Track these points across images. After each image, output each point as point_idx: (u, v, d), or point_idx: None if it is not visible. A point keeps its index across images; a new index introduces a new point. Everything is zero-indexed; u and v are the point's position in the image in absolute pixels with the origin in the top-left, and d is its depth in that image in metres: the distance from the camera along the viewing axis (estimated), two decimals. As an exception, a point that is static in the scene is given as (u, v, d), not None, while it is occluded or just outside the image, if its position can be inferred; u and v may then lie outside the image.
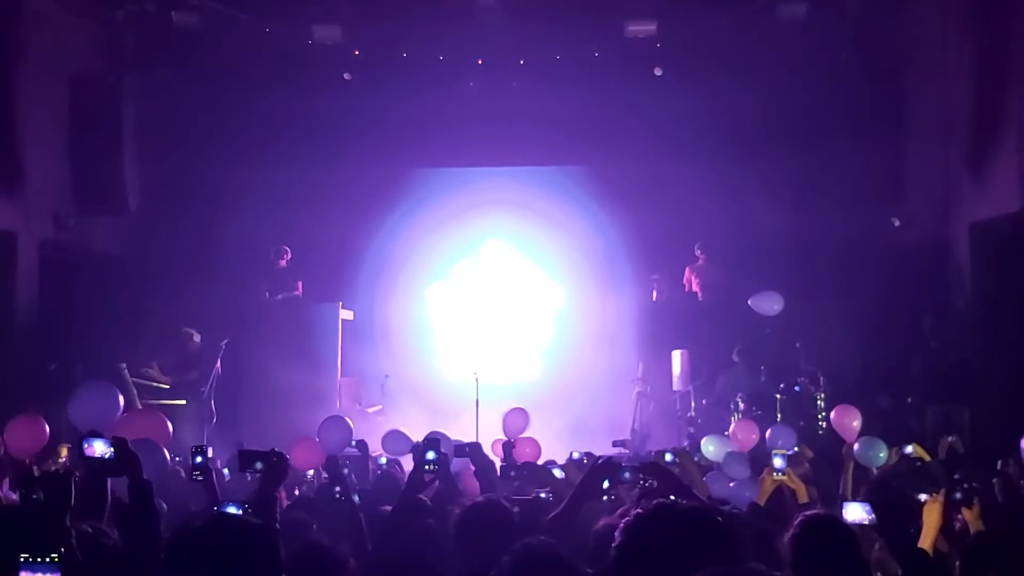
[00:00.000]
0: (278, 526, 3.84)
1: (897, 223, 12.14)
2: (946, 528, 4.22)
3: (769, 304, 11.15)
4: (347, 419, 7.72)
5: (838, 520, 3.46)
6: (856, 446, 7.03)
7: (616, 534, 2.37)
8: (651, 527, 2.32)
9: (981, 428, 9.82)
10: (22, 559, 2.16)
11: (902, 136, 11.99)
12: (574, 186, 13.27)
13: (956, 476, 6.25)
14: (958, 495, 4.53)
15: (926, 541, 4.06)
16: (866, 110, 12.07)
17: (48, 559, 2.15)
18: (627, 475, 3.95)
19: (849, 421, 7.65)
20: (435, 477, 5.11)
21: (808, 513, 3.49)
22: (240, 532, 2.43)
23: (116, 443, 3.72)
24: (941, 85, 11.51)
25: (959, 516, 4.66)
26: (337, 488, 5.04)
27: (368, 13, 12.30)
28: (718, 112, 12.42)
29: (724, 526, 2.36)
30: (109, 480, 3.94)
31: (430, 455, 5.00)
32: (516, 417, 8.65)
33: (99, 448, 3.70)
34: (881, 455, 6.87)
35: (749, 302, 11.24)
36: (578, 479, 5.55)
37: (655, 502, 2.49)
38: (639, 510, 2.42)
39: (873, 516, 3.88)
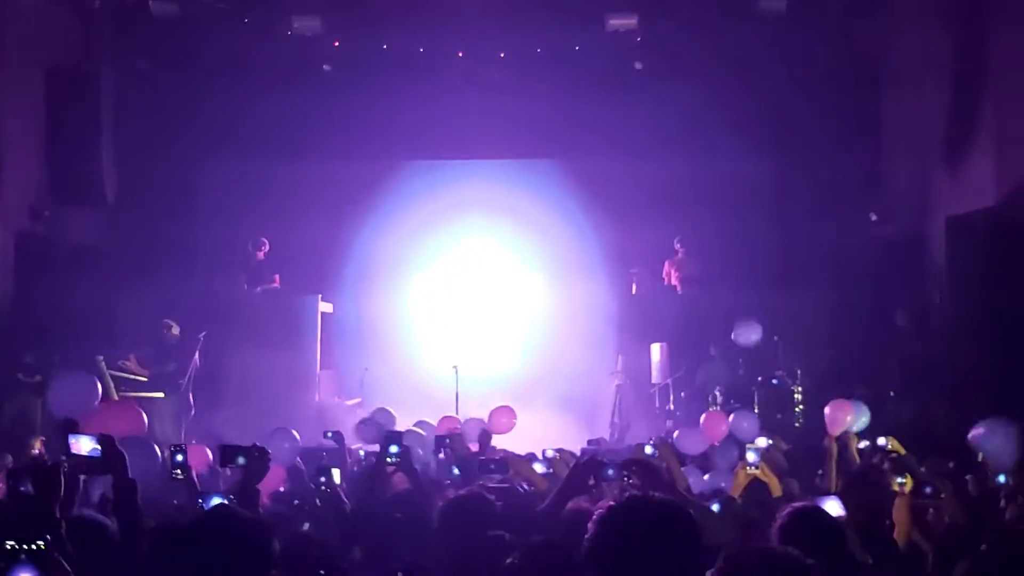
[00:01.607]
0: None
1: (874, 218, 12.24)
2: (918, 521, 4.26)
3: (748, 334, 11.12)
4: (292, 431, 7.70)
5: (824, 511, 3.49)
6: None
7: (589, 525, 2.41)
8: (623, 519, 2.36)
9: (956, 422, 9.91)
10: (8, 547, 2.15)
11: (880, 131, 12.07)
12: (554, 179, 13.29)
13: (923, 470, 6.34)
14: (928, 490, 4.59)
15: (899, 536, 4.11)
16: (845, 105, 12.16)
17: (34, 547, 2.14)
18: (611, 472, 3.98)
19: (843, 415, 7.71)
20: (397, 469, 5.13)
21: (796, 504, 3.52)
22: (237, 525, 2.43)
23: (102, 441, 3.69)
24: (919, 81, 11.60)
25: (931, 510, 4.73)
26: (323, 479, 5.04)
27: (348, 4, 12.26)
28: (698, 106, 12.47)
29: (696, 519, 2.40)
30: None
31: (393, 448, 5.01)
32: (501, 415, 8.80)
33: (85, 445, 3.67)
34: (863, 420, 6.92)
35: (733, 335, 11.24)
36: (563, 473, 5.59)
37: (627, 495, 2.53)
38: (611, 502, 2.46)
39: (843, 512, 3.93)
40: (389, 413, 9.88)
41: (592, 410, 12.05)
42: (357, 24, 12.49)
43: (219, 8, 12.08)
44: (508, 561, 3.15)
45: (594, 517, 2.40)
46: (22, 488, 3.88)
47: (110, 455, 3.65)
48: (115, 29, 12.37)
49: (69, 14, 12.05)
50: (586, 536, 2.38)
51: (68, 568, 2.58)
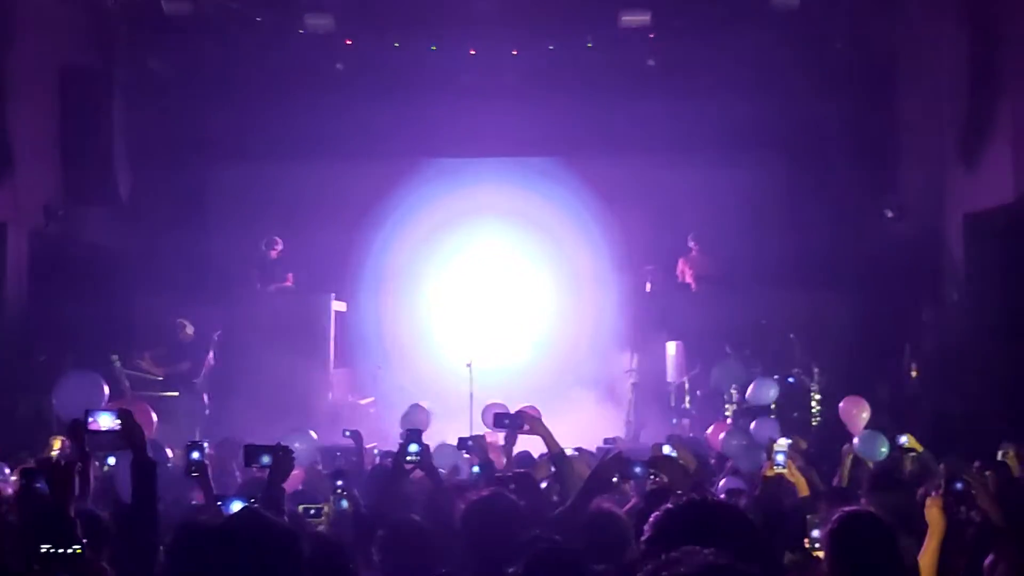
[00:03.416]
0: (286, 519, 3.82)
1: (890, 214, 12.15)
2: (951, 521, 4.20)
3: (765, 393, 9.97)
4: (311, 432, 7.65)
5: (876, 515, 3.44)
6: (856, 440, 7.04)
7: (646, 528, 2.37)
8: (681, 521, 2.31)
9: (974, 418, 9.85)
10: (43, 550, 2.10)
11: (896, 127, 12.00)
12: (567, 177, 13.25)
13: (940, 467, 6.27)
14: (958, 486, 4.52)
15: (933, 541, 4.05)
16: (860, 101, 12.08)
17: (71, 551, 2.09)
18: (637, 470, 3.93)
19: (858, 412, 7.67)
20: (415, 467, 5.09)
21: (847, 508, 3.47)
22: (267, 530, 2.39)
23: (122, 415, 3.66)
24: (935, 75, 11.51)
25: (961, 509, 4.66)
26: (339, 483, 5.01)
27: (360, 2, 12.23)
28: (712, 101, 12.41)
29: (751, 520, 2.36)
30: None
31: (412, 447, 4.97)
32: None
33: (104, 422, 3.63)
34: (883, 449, 6.88)
35: (747, 396, 10.04)
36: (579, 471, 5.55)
37: (685, 497, 2.48)
38: (670, 505, 2.42)
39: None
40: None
41: (607, 409, 11.99)
42: (369, 22, 12.45)
43: (232, 7, 12.07)
44: (511, 571, 3.10)
45: (651, 519, 2.37)
46: (37, 485, 3.85)
47: (130, 430, 3.62)
48: (128, 28, 12.35)
49: (81, 13, 12.03)
50: (643, 538, 2.35)
51: (107, 567, 2.55)
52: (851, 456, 6.81)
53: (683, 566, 1.83)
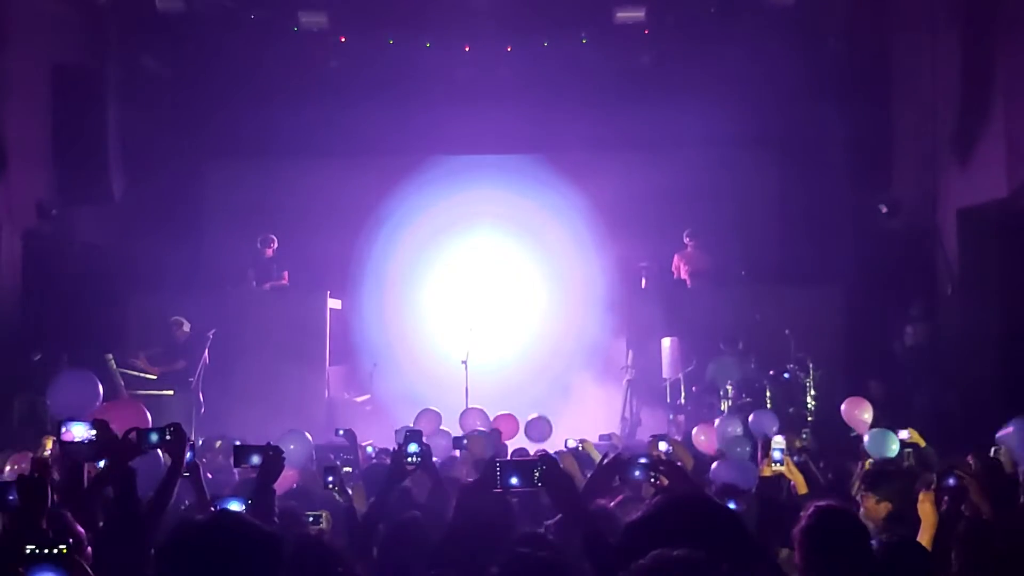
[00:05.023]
0: (276, 520, 3.80)
1: (884, 209, 12.16)
2: (941, 519, 4.20)
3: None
4: (305, 432, 7.63)
5: (851, 511, 3.43)
6: (866, 438, 7.03)
7: (638, 515, 2.34)
8: (668, 516, 2.29)
9: (970, 413, 9.87)
10: (28, 551, 2.08)
11: (889, 122, 12.00)
12: (562, 172, 13.25)
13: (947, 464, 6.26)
14: (951, 481, 4.53)
15: (924, 535, 4.05)
16: (853, 96, 12.09)
17: (56, 551, 2.08)
18: (638, 472, 3.90)
19: (859, 412, 7.69)
20: (415, 467, 5.08)
21: (820, 503, 3.46)
22: (244, 535, 2.37)
23: (97, 425, 3.64)
24: (928, 71, 11.52)
25: (945, 499, 4.67)
26: (330, 478, 4.99)
27: (354, -1, 12.24)
28: (707, 98, 12.40)
29: (738, 516, 2.35)
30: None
31: (412, 447, 4.96)
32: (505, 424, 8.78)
33: (78, 432, 3.61)
34: (893, 447, 6.86)
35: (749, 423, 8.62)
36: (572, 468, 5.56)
37: (671, 495, 2.47)
38: (658, 499, 2.39)
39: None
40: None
41: (602, 405, 11.99)
42: (363, 19, 12.45)
43: (225, 5, 12.05)
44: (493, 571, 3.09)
45: (641, 512, 2.34)
46: (10, 498, 3.80)
47: (105, 440, 3.59)
48: (121, 26, 12.33)
49: (74, 11, 12.00)
50: (627, 529, 2.33)
51: (89, 570, 2.54)
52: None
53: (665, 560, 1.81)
